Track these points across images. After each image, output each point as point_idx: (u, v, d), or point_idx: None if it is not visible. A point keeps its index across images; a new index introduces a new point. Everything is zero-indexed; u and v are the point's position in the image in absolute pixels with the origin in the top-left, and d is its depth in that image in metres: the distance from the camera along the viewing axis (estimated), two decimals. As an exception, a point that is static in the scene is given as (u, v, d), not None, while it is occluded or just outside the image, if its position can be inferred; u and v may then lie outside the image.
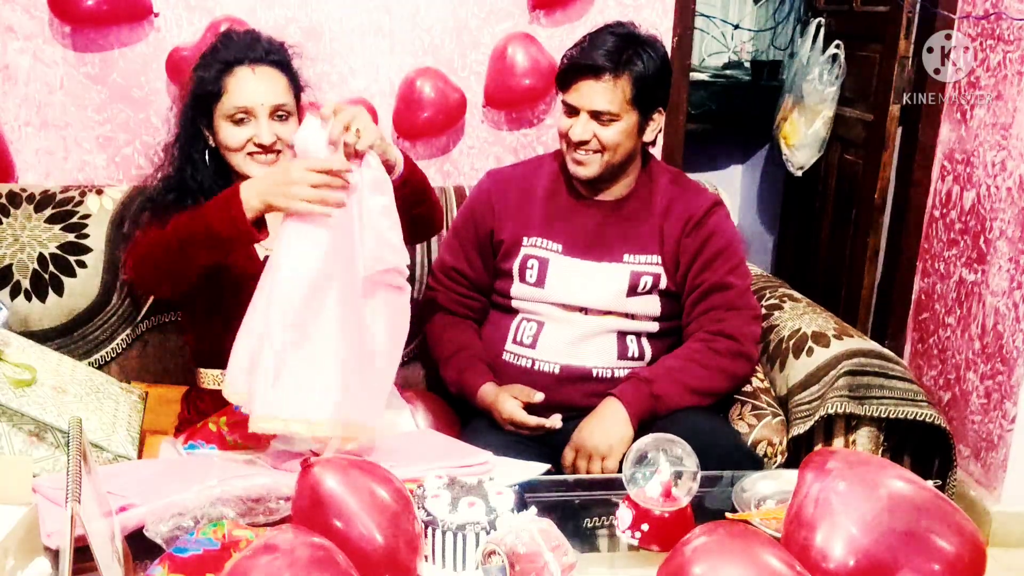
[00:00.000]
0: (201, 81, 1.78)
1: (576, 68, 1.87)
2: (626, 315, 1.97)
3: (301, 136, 1.59)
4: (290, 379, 1.51)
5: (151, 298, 2.13)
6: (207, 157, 1.83)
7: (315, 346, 1.53)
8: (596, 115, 1.86)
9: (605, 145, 1.88)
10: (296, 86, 1.84)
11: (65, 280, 2.09)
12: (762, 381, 2.05)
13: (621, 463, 1.53)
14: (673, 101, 1.99)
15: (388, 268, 1.59)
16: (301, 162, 1.56)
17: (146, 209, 1.83)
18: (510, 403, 1.88)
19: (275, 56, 1.81)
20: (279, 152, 1.78)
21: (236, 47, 1.79)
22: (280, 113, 1.78)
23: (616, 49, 1.85)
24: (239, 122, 1.77)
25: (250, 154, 1.78)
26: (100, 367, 2.10)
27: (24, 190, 2.14)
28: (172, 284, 1.74)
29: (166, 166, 1.86)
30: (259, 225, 1.61)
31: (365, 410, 1.57)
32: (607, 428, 1.80)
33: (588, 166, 1.91)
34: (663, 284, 1.96)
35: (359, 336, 1.57)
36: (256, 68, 1.77)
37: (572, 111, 1.89)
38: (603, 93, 1.85)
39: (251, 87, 1.76)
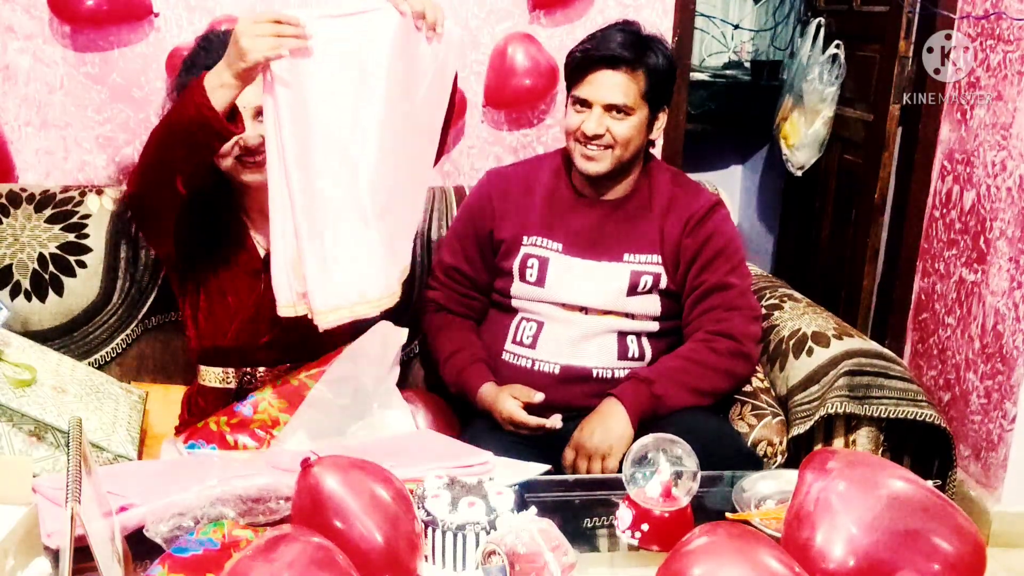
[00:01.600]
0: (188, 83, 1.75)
1: (592, 60, 1.86)
2: (626, 315, 1.96)
3: None
4: (341, 264, 1.53)
5: (151, 298, 2.13)
6: None
7: (348, 224, 1.54)
8: (610, 108, 1.86)
9: (617, 140, 1.88)
10: None
11: (65, 280, 2.09)
12: (762, 381, 2.05)
13: (621, 463, 1.53)
14: (673, 101, 1.99)
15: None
16: (244, 18, 1.48)
17: None
18: (510, 403, 1.88)
19: None
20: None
21: (216, 50, 1.73)
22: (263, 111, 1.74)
23: (631, 43, 1.86)
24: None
25: (238, 158, 1.74)
26: (100, 367, 2.10)
27: (24, 190, 2.14)
28: (160, 195, 1.67)
29: None
30: (233, 118, 1.55)
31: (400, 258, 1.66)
32: (607, 428, 1.80)
33: (599, 161, 1.91)
34: (663, 283, 1.96)
35: (387, 195, 1.60)
36: None
37: (584, 105, 1.89)
38: (619, 85, 1.85)
39: None
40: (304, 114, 1.50)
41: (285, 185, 1.51)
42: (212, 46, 1.78)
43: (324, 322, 1.56)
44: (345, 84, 1.52)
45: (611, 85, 1.86)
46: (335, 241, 1.55)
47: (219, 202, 1.84)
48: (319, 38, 1.48)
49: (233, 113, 1.56)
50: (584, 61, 1.88)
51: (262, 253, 1.84)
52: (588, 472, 1.78)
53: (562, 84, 2.26)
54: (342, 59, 1.51)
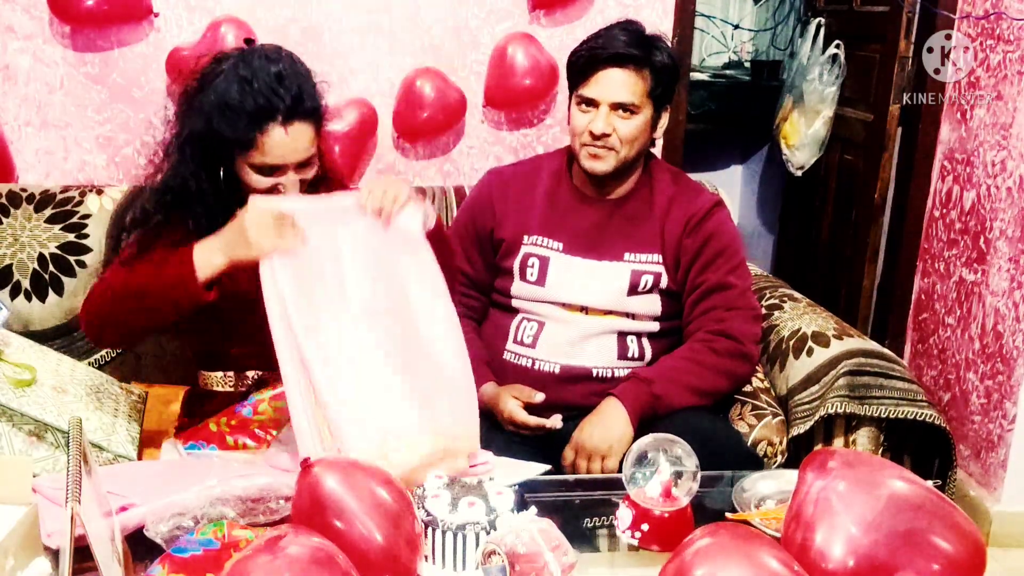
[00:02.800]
0: (228, 129, 1.64)
1: (599, 58, 1.86)
2: (627, 315, 1.96)
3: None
4: (367, 415, 1.52)
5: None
6: (218, 174, 1.73)
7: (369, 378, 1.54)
8: (616, 107, 1.86)
9: (623, 139, 1.88)
10: (320, 126, 1.73)
11: (65, 280, 2.09)
12: (762, 381, 2.05)
13: (621, 463, 1.53)
14: (673, 101, 1.99)
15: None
16: (254, 205, 1.55)
17: (137, 225, 1.74)
18: (510, 403, 1.88)
19: (307, 104, 1.67)
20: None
21: (263, 95, 1.63)
22: (305, 162, 1.70)
23: (636, 41, 1.86)
24: (266, 173, 1.68)
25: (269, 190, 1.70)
26: (100, 367, 2.10)
27: (24, 190, 2.14)
28: (117, 334, 1.71)
29: (165, 168, 1.77)
30: (211, 286, 1.59)
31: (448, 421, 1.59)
32: (607, 427, 1.80)
33: (604, 160, 1.90)
34: (664, 283, 1.96)
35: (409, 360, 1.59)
36: (289, 128, 1.64)
37: (590, 104, 1.89)
38: (626, 83, 1.85)
39: (283, 149, 1.65)
40: (299, 287, 1.54)
41: (296, 352, 1.51)
42: (256, 87, 1.64)
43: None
44: (328, 262, 1.58)
45: (618, 83, 1.85)
46: (357, 398, 1.53)
47: (225, 214, 1.81)
48: (305, 224, 1.57)
49: (211, 282, 1.58)
50: (590, 60, 1.87)
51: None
52: (588, 472, 1.78)
53: (563, 84, 2.26)
54: (324, 240, 1.58)
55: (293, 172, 1.69)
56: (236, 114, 1.63)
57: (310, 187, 1.78)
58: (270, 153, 1.65)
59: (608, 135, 1.87)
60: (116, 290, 1.63)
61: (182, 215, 1.71)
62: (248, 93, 1.63)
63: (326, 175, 1.83)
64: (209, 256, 1.56)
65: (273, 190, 1.69)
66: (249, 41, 1.77)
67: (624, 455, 1.51)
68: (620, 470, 1.50)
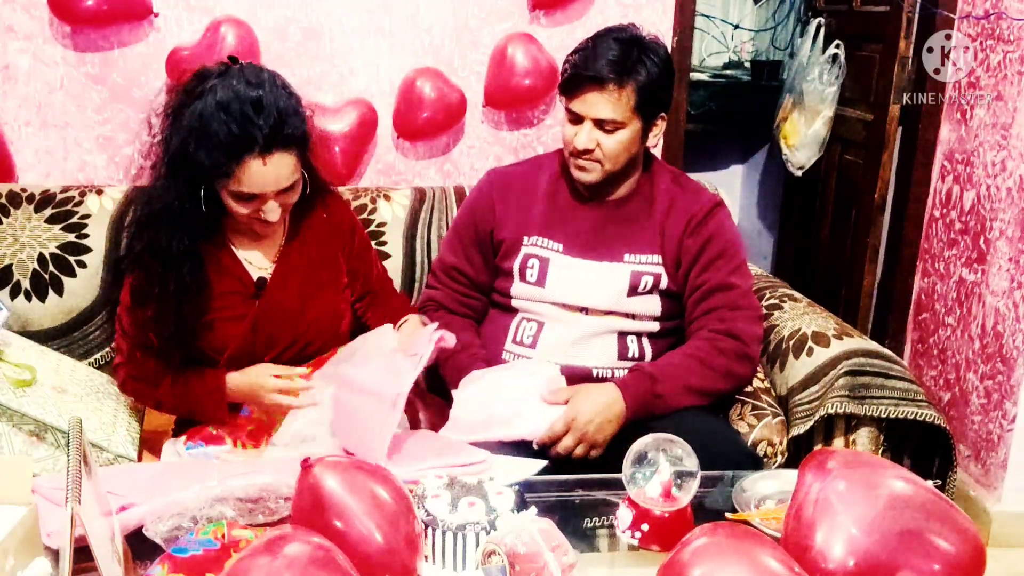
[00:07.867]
0: (204, 158, 1.59)
1: (580, 78, 1.86)
2: (627, 315, 1.96)
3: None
4: None
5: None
6: (199, 195, 1.69)
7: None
8: (600, 123, 1.86)
9: (607, 154, 1.88)
10: (305, 151, 1.69)
11: (65, 280, 2.09)
12: (762, 381, 2.04)
13: (621, 463, 1.53)
14: (673, 101, 1.99)
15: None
16: (267, 371, 1.75)
17: (133, 238, 1.75)
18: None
19: (287, 132, 1.62)
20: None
21: (239, 124, 1.58)
22: (287, 189, 1.68)
23: (620, 58, 1.84)
24: (245, 200, 1.66)
25: (254, 220, 1.70)
26: (100, 367, 2.10)
27: (24, 190, 2.14)
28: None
29: (158, 177, 1.72)
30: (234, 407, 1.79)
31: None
32: (607, 420, 1.78)
33: (590, 172, 1.91)
34: (664, 284, 1.96)
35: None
36: (268, 159, 1.60)
37: (576, 118, 1.89)
38: (607, 103, 1.84)
39: (262, 179, 1.62)
40: None
41: None
42: (231, 120, 1.59)
43: None
44: None
45: (599, 103, 1.84)
46: None
47: (207, 239, 1.78)
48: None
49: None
50: (573, 79, 1.87)
51: (255, 276, 1.81)
52: (569, 451, 1.76)
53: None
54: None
55: (273, 200, 1.67)
56: (212, 143, 1.59)
57: (296, 204, 1.76)
58: (248, 184, 1.63)
59: (592, 150, 1.87)
60: (156, 395, 1.82)
61: (167, 234, 1.68)
62: (224, 121, 1.58)
63: (317, 188, 1.82)
64: (233, 396, 1.78)
65: (255, 215, 1.68)
66: (233, 60, 1.71)
67: (624, 456, 1.51)
68: (620, 470, 1.50)
